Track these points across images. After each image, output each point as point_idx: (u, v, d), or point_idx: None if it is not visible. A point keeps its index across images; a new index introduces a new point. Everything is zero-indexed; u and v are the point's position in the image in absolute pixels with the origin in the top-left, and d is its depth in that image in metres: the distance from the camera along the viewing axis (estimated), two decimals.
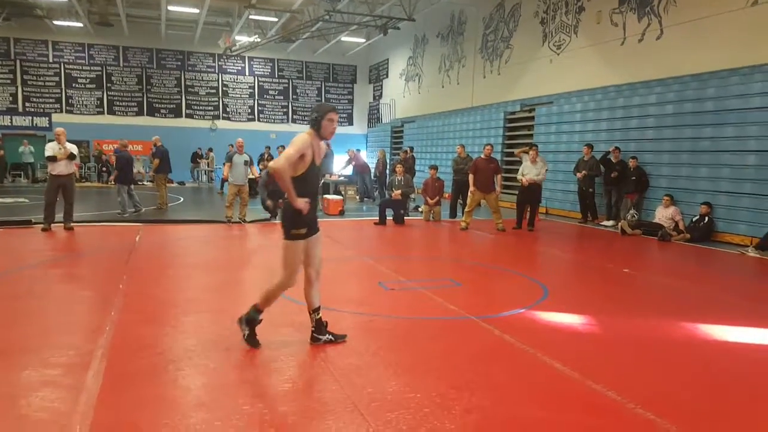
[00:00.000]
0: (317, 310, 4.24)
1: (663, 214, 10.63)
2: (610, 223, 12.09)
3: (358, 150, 18.78)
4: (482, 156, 11.23)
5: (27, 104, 23.46)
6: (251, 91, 26.70)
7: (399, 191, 12.18)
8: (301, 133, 4.00)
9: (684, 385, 3.69)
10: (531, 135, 15.57)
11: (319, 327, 4.25)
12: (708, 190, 10.45)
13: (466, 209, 11.28)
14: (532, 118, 15.81)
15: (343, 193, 15.94)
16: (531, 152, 11.27)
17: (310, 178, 3.99)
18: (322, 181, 15.53)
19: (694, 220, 10.31)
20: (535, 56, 16.20)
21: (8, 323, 4.69)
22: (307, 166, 3.92)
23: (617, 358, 4.17)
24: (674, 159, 11.31)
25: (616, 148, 12.01)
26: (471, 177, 11.11)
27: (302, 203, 3.88)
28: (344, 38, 23.78)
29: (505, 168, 16.61)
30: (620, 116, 12.72)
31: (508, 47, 17.55)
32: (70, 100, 24.01)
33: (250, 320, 4.16)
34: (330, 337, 4.26)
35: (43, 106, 23.66)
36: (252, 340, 4.16)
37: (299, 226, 3.97)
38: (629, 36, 12.97)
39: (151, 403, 3.21)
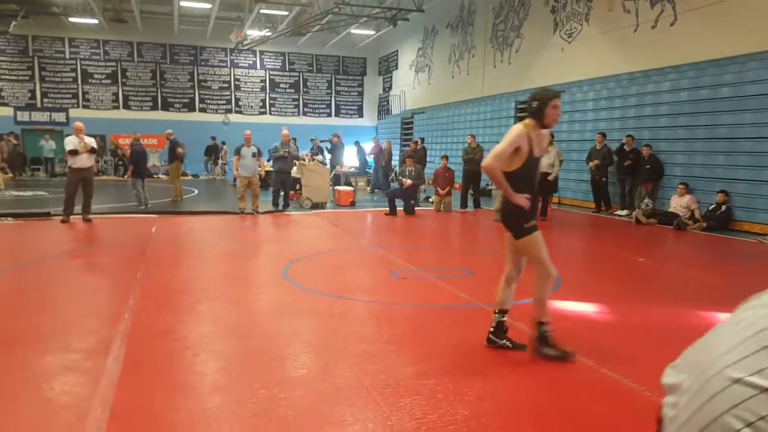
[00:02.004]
0: (504, 312, 3.94)
1: (678, 203, 10.54)
2: (624, 212, 12.01)
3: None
4: None
5: (45, 100, 23.73)
6: (263, 84, 26.78)
7: (409, 181, 12.15)
8: (517, 124, 3.76)
9: None
10: None
11: (499, 330, 3.93)
12: (725, 178, 10.33)
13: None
14: None
15: (353, 184, 15.98)
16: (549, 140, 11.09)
17: (528, 172, 3.72)
18: (333, 173, 15.59)
19: (710, 208, 10.20)
20: (546, 45, 16.07)
21: (31, 311, 4.80)
22: (524, 159, 3.67)
23: (632, 347, 4.16)
24: (689, 147, 11.20)
25: (630, 136, 11.92)
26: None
27: (522, 199, 3.67)
28: (354, 30, 23.71)
29: None
30: (633, 104, 12.60)
31: (518, 36, 17.42)
32: (86, 96, 24.24)
33: (544, 337, 3.77)
34: (508, 344, 3.91)
35: (60, 101, 23.92)
36: (563, 355, 3.73)
37: (529, 218, 3.74)
38: (642, 23, 12.81)
39: (169, 387, 3.29)
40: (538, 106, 3.71)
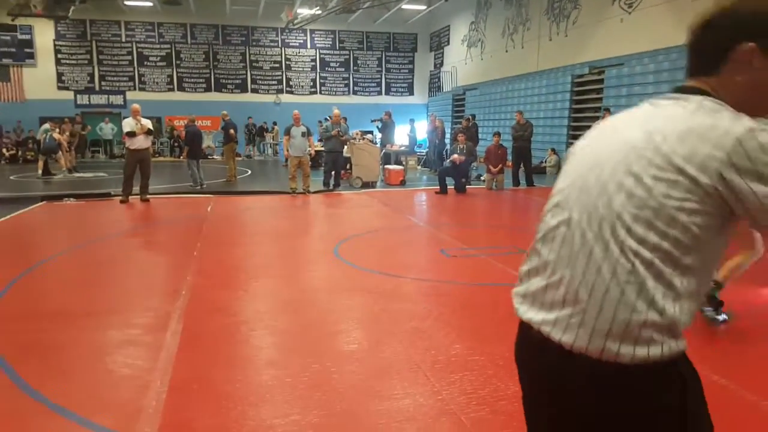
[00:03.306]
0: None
1: None
2: None
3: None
4: None
5: (103, 83, 24.55)
6: (313, 64, 26.86)
7: (461, 157, 11.93)
8: None
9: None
10: (600, 99, 14.96)
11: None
12: None
13: None
14: (602, 81, 15.15)
15: (404, 163, 15.91)
16: (606, 115, 10.61)
17: None
18: (383, 152, 15.53)
19: None
20: (605, 16, 15.42)
21: (94, 287, 5.02)
22: None
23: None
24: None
25: None
26: None
27: None
28: (405, 6, 23.39)
29: (573, 134, 16.10)
30: None
31: (575, 8, 16.77)
32: (142, 78, 24.95)
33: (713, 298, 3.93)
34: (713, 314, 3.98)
35: (117, 84, 24.70)
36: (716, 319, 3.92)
37: None
38: None
39: (226, 360, 3.38)
40: None
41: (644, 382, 1.08)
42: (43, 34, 23.57)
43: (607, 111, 10.96)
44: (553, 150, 16.45)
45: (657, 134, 1.07)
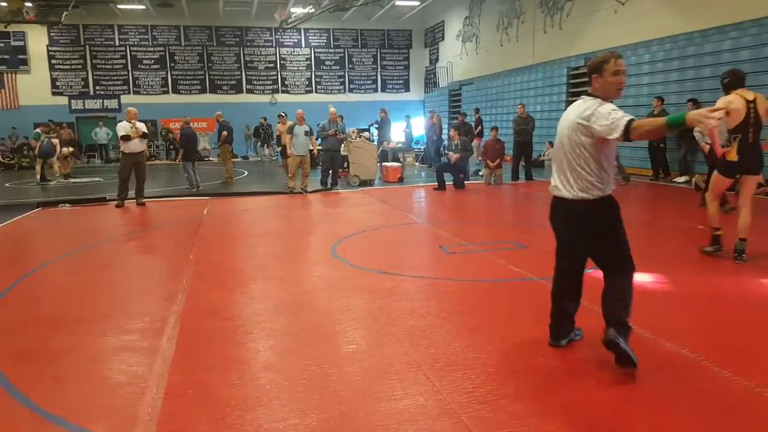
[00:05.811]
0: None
1: None
2: (683, 179, 11.47)
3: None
4: None
5: (97, 87, 24.49)
6: (308, 62, 26.79)
7: (455, 155, 11.88)
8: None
9: (762, 343, 3.49)
10: None
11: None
12: None
13: None
14: None
15: (401, 159, 15.85)
16: None
17: None
18: (380, 149, 15.47)
19: None
20: (599, 8, 15.37)
21: (89, 293, 4.98)
22: None
23: (690, 317, 3.99)
24: None
25: (691, 100, 11.28)
26: None
27: None
28: (398, 2, 23.31)
29: None
30: (692, 66, 11.91)
31: (569, 0, 16.73)
32: (136, 82, 24.88)
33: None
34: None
35: (112, 88, 24.64)
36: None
37: None
38: None
39: (223, 364, 3.33)
40: None
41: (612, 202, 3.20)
42: (37, 40, 23.55)
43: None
44: (550, 143, 16.39)
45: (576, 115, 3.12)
